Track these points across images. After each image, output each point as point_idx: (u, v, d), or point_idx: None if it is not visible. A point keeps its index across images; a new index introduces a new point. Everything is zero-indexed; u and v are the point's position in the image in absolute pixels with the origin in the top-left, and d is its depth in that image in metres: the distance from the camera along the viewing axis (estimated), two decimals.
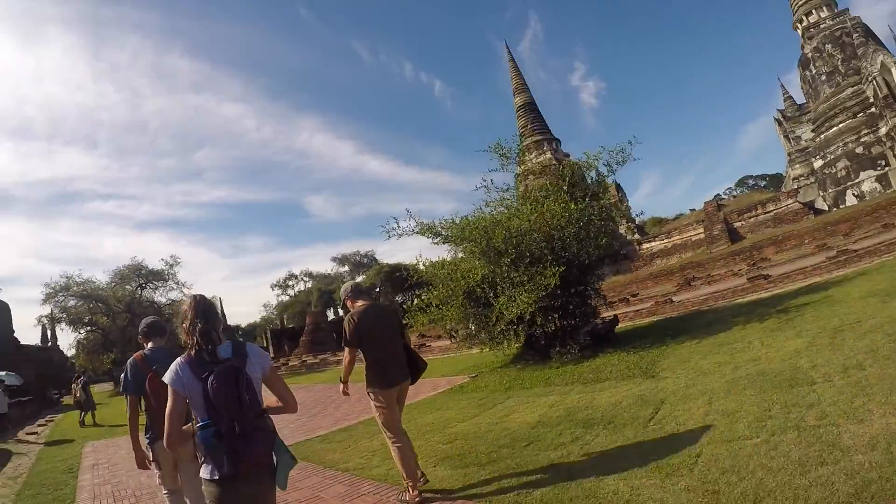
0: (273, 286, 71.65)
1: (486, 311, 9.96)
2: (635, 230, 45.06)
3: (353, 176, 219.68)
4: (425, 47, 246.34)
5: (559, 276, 9.05)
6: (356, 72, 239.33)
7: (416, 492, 3.70)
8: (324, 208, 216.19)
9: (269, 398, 2.32)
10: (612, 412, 5.25)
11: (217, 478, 2.02)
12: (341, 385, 4.11)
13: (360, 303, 3.96)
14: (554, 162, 46.30)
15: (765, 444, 3.55)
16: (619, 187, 44.70)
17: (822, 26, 35.93)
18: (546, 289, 9.02)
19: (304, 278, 69.90)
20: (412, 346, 4.12)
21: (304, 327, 46.52)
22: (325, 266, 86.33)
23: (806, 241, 25.43)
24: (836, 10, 36.55)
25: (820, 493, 2.61)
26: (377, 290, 54.89)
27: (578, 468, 3.88)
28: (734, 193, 75.44)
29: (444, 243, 10.92)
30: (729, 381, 5.40)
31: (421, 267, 11.89)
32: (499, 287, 9.86)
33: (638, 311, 15.12)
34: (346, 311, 4.04)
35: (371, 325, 3.84)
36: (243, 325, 76.20)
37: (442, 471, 4.50)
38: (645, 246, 42.47)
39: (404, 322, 4.54)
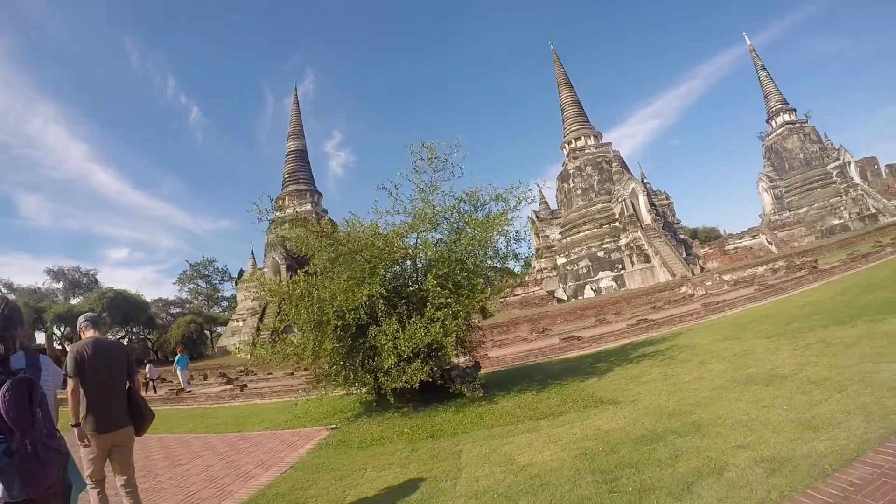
0: None
1: (362, 342, 8.92)
2: None
3: (77, 185, 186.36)
4: (195, 70, 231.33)
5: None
6: (117, 71, 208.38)
7: None
8: (36, 212, 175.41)
9: None
10: (662, 429, 4.88)
11: (6, 501, 2.01)
12: (76, 430, 3.65)
13: (90, 333, 3.88)
14: (314, 214, 48.23)
15: None
16: None
17: (586, 151, 47.88)
18: (471, 313, 8.68)
19: (3, 289, 59.98)
20: (139, 393, 3.96)
21: None
22: (29, 279, 68.66)
23: (558, 321, 30.58)
24: (600, 141, 49.73)
25: None
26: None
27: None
28: None
29: (328, 251, 9.61)
30: (720, 387, 5.91)
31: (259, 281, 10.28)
32: (380, 312, 8.86)
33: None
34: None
35: (97, 359, 3.69)
36: None
37: None
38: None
39: (134, 364, 4.10)
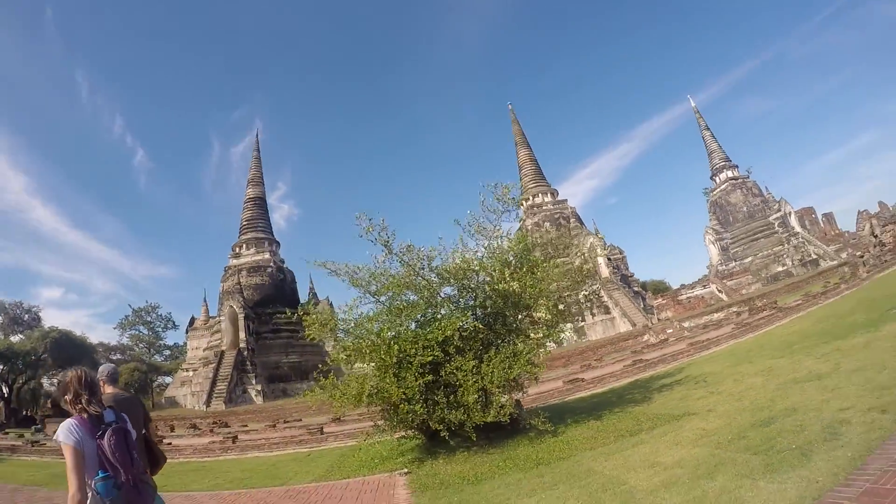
0: None
1: (436, 380, 9.25)
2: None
3: (14, 217, 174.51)
4: (144, 110, 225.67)
5: None
6: (66, 104, 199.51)
7: None
8: None
9: None
10: (765, 417, 6.23)
11: None
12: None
13: (110, 389, 4.05)
14: (272, 263, 48.67)
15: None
16: (331, 305, 48.32)
17: (544, 208, 51.22)
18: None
19: None
20: (153, 439, 4.26)
21: None
22: None
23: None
24: (556, 198, 53.99)
25: None
26: (34, 358, 44.11)
27: None
28: None
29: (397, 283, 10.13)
30: (779, 388, 7.59)
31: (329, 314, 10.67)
32: (452, 349, 9.34)
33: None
34: None
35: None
36: None
37: None
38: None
39: (149, 414, 4.35)
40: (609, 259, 49.42)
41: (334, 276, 10.91)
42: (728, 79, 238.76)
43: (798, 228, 55.34)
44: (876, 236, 36.99)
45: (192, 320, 47.95)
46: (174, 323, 70.81)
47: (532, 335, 9.99)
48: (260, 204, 52.20)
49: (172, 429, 25.66)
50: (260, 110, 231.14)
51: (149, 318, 68.53)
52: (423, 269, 10.17)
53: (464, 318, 9.30)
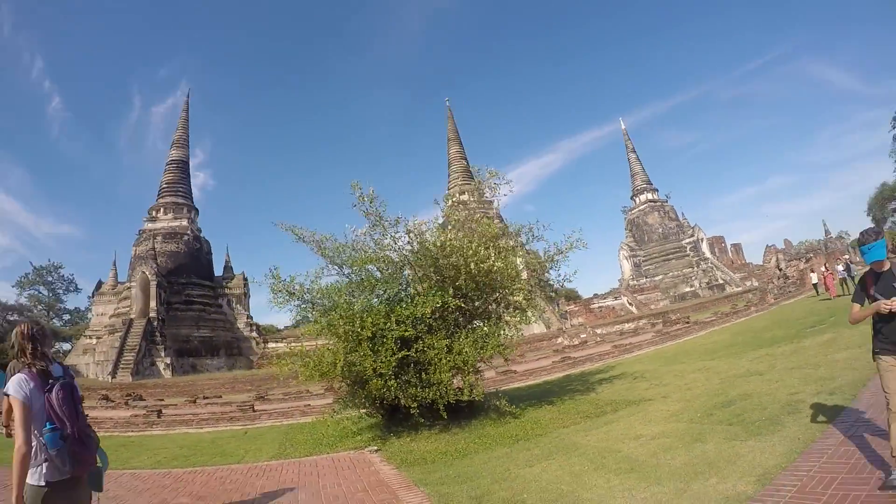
0: None
1: (406, 356, 9.14)
2: (253, 328, 47.24)
3: None
4: (67, 56, 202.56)
5: None
6: None
7: None
8: None
9: None
10: (722, 401, 7.31)
11: (53, 480, 2.70)
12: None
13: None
14: (189, 231, 46.60)
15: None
16: (245, 280, 47.29)
17: (469, 206, 51.69)
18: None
19: None
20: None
21: None
22: None
23: None
24: (482, 198, 53.38)
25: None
26: None
27: None
28: None
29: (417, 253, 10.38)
30: (724, 381, 8.68)
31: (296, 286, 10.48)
32: (424, 327, 9.61)
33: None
34: None
35: None
36: None
37: None
38: (271, 346, 44.66)
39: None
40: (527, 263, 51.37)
41: (301, 243, 10.88)
42: (655, 107, 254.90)
43: (708, 254, 60.64)
44: (781, 269, 41.37)
45: (100, 284, 44.76)
46: (77, 286, 67.22)
47: (508, 318, 10.65)
48: (183, 168, 49.88)
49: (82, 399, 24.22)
50: (188, 71, 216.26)
51: (50, 279, 64.33)
52: (411, 243, 10.49)
53: (443, 297, 9.46)
